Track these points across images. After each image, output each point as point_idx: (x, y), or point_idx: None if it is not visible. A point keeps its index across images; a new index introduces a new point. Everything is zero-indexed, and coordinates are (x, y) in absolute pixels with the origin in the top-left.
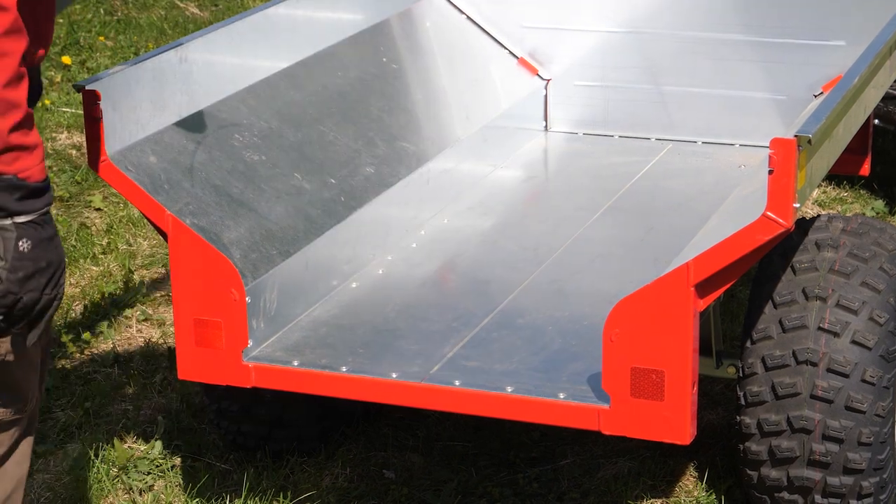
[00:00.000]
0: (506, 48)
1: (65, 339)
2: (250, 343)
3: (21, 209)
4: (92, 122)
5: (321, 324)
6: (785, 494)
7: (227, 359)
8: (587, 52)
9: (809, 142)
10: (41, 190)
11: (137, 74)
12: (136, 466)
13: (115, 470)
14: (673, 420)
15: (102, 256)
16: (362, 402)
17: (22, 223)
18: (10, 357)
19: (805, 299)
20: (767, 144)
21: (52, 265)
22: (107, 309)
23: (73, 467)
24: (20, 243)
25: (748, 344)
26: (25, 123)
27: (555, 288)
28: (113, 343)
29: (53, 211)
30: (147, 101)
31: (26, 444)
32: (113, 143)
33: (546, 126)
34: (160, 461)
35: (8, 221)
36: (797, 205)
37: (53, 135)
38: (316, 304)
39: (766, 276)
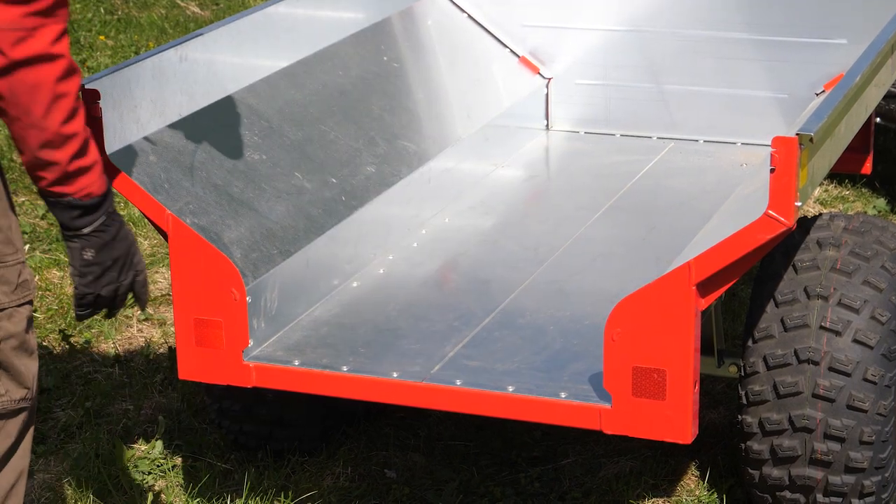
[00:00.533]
0: (507, 47)
1: (65, 339)
2: (251, 343)
3: (80, 225)
4: (91, 122)
5: (322, 323)
6: (787, 493)
7: (227, 358)
8: (588, 50)
9: (811, 140)
10: (97, 205)
11: (137, 73)
12: (136, 466)
13: (116, 470)
14: (674, 419)
15: None
16: (364, 401)
17: (84, 234)
18: (11, 343)
19: (807, 298)
20: (769, 143)
21: (119, 259)
22: None
23: (73, 467)
24: (84, 252)
25: (750, 343)
26: (83, 149)
27: (556, 287)
28: (114, 343)
29: None
30: (147, 100)
31: (29, 437)
32: (113, 142)
33: (547, 125)
34: (161, 461)
35: (69, 234)
36: (799, 203)
37: None
38: (317, 303)
39: (768, 274)
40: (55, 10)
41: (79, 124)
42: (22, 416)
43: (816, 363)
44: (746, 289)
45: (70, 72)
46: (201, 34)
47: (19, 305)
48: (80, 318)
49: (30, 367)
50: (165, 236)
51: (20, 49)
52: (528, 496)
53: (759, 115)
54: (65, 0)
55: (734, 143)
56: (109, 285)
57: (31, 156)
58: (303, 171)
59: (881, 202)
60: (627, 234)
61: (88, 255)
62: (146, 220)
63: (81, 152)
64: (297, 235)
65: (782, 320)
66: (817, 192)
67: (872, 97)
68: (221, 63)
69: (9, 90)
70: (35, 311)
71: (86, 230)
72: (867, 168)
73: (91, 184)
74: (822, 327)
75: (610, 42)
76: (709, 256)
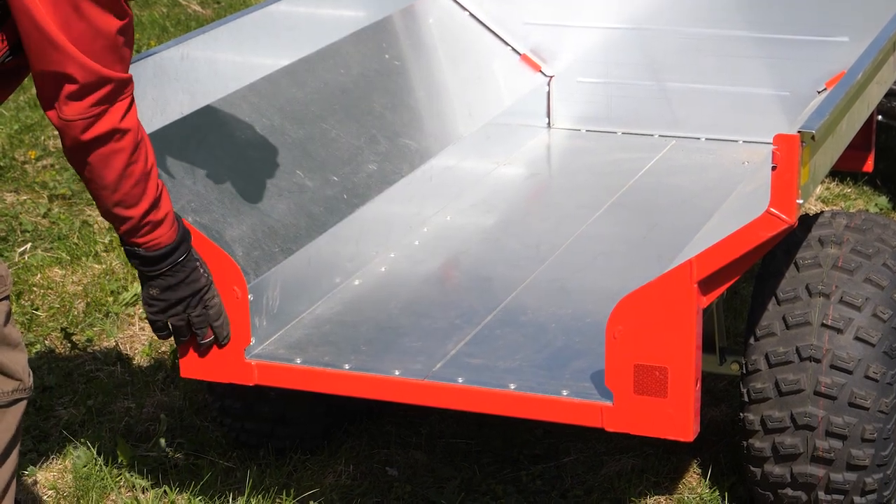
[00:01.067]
0: (508, 45)
1: (67, 337)
2: (253, 341)
3: (145, 270)
4: None
5: (324, 321)
6: (788, 491)
7: (229, 356)
8: (590, 48)
9: (813, 138)
10: (163, 255)
11: (139, 72)
12: (138, 464)
13: (118, 468)
14: (676, 417)
15: (105, 254)
16: (365, 399)
17: (150, 276)
18: None
19: (808, 296)
20: (771, 140)
21: (184, 300)
22: (109, 307)
23: (75, 465)
24: (149, 290)
25: (751, 340)
26: (154, 204)
27: (557, 285)
28: (115, 341)
29: (56, 209)
30: (149, 98)
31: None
32: None
33: (549, 123)
34: (163, 459)
35: (140, 271)
36: (800, 201)
37: (56, 133)
38: (318, 301)
39: (770, 272)
40: (120, 92)
41: (151, 184)
42: (20, 407)
43: (818, 361)
44: (748, 286)
45: (139, 140)
46: (203, 32)
47: None
48: (160, 338)
49: (16, 359)
50: None
51: (90, 132)
52: (530, 494)
53: (761, 112)
54: (128, 80)
55: (736, 141)
56: (175, 316)
57: (105, 210)
58: (304, 169)
59: (883, 200)
60: (629, 231)
61: (153, 291)
62: None
63: (153, 207)
64: (298, 233)
65: (784, 318)
66: (819, 189)
67: (874, 95)
68: (223, 61)
69: (84, 162)
70: (37, 309)
71: (151, 274)
72: (869, 166)
73: (160, 236)
74: (823, 325)
75: (611, 40)
76: (710, 254)
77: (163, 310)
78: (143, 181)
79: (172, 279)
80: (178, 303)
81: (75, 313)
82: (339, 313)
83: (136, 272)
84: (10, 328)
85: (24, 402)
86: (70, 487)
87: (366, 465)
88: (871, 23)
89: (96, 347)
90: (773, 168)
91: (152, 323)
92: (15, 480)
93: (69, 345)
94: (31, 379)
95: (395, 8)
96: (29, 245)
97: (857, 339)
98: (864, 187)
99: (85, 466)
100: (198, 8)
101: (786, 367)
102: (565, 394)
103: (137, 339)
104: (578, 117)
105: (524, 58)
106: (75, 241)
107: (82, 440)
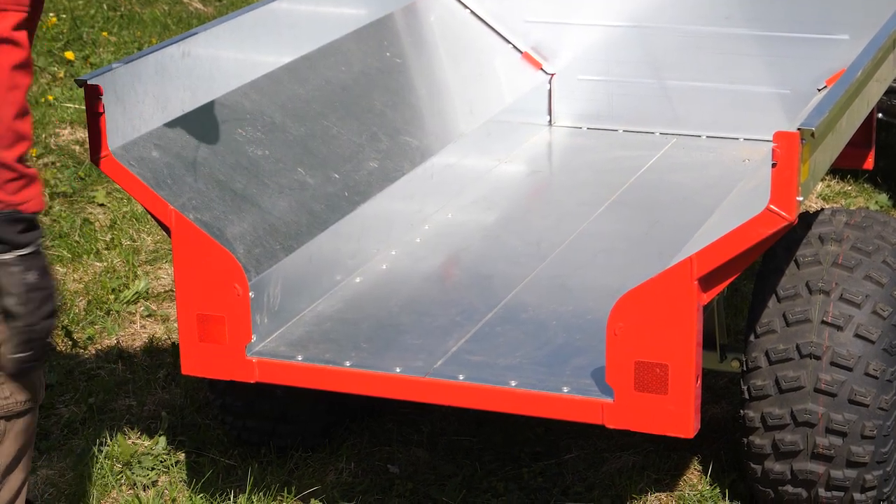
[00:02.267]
0: (510, 42)
1: (68, 335)
2: (254, 338)
3: (24, 241)
4: (94, 118)
5: (325, 319)
6: (789, 488)
7: (230, 354)
8: (591, 46)
9: (812, 135)
10: (37, 221)
11: (140, 69)
12: (139, 462)
13: (119, 466)
14: (677, 414)
15: (106, 252)
16: (366, 396)
17: (25, 255)
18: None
19: (808, 293)
20: (771, 138)
21: (53, 289)
22: (110, 305)
23: (76, 463)
24: (28, 275)
25: (752, 338)
26: (26, 156)
27: (558, 282)
28: (117, 339)
29: (56, 207)
30: (150, 95)
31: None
32: (115, 138)
33: (550, 120)
34: (164, 457)
35: (10, 256)
36: (800, 198)
37: (56, 130)
38: (320, 298)
39: (770, 269)
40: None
41: (28, 127)
42: (30, 417)
43: (818, 358)
44: (749, 284)
45: (27, 65)
46: (204, 30)
47: None
48: (21, 374)
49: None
50: (168, 232)
51: None
52: (531, 491)
53: (762, 110)
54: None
55: (736, 139)
56: (47, 319)
57: None
58: (305, 166)
59: (883, 197)
60: (630, 229)
61: (31, 277)
62: (149, 215)
63: (26, 159)
64: (299, 231)
65: (784, 315)
66: (819, 187)
67: (874, 93)
68: (224, 59)
69: None
70: None
71: (27, 250)
72: (869, 163)
73: (35, 197)
74: (823, 322)
75: (612, 38)
76: (711, 251)
77: (40, 304)
78: (23, 117)
79: (44, 259)
80: (53, 292)
81: (76, 311)
82: (341, 311)
83: (135, 269)
84: None
85: (36, 410)
86: (71, 485)
87: (367, 462)
88: (871, 20)
89: (97, 345)
90: (774, 165)
91: (27, 335)
92: (25, 487)
93: (70, 343)
94: (44, 389)
95: (397, 5)
96: None
97: (857, 336)
98: (865, 185)
99: (86, 464)
100: (199, 6)
101: (786, 364)
102: (566, 391)
103: (138, 337)
104: (579, 115)
105: (525, 55)
106: (76, 238)
107: (83, 438)
